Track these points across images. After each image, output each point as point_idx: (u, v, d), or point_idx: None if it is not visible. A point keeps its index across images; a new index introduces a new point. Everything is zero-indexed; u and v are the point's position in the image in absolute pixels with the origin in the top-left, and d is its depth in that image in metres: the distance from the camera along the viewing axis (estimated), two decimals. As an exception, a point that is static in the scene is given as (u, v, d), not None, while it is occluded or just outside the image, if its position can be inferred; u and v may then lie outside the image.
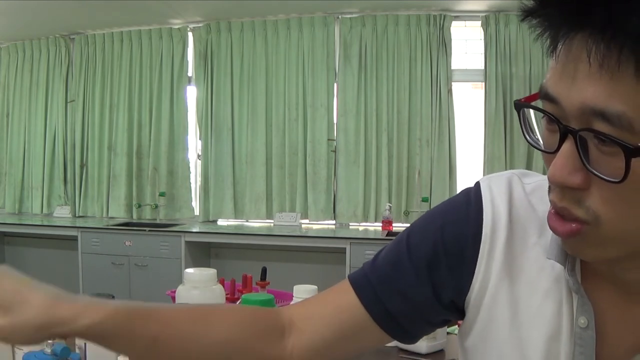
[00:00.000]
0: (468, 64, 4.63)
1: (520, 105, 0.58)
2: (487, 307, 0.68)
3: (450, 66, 4.52)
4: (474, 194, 0.71)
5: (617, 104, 0.48)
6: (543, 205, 0.66)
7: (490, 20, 4.42)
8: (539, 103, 0.58)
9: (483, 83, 4.49)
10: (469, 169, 4.57)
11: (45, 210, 5.32)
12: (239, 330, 0.71)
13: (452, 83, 4.52)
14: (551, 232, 0.61)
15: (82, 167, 5.24)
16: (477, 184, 0.72)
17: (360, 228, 4.67)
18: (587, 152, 0.52)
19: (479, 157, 4.53)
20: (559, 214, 0.56)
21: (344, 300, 0.73)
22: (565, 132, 0.52)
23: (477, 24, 4.52)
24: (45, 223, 4.95)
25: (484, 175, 4.81)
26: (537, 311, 0.65)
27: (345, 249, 4.08)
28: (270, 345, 0.72)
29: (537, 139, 0.59)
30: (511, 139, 4.42)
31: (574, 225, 0.54)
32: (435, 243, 0.69)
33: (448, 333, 1.68)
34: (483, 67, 4.47)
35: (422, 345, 1.58)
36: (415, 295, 0.70)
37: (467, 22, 4.62)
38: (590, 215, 0.53)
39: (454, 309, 0.71)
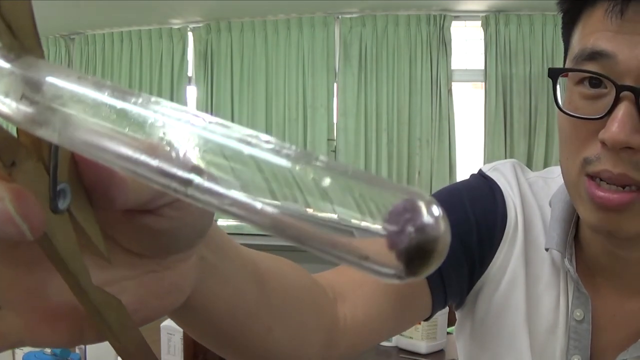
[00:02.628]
0: (468, 64, 4.63)
1: (558, 71, 0.56)
2: (505, 288, 0.67)
3: (450, 66, 4.52)
4: (489, 182, 0.70)
5: None
6: (541, 199, 0.67)
7: (490, 20, 4.42)
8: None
9: (483, 83, 4.49)
10: (469, 169, 4.57)
11: (45, 210, 5.33)
12: (312, 283, 0.58)
13: (452, 83, 4.52)
14: (548, 222, 0.63)
15: (82, 167, 5.25)
16: (484, 174, 0.71)
17: (360, 228, 4.66)
18: None
19: (479, 157, 4.53)
20: (600, 184, 0.53)
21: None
22: (621, 90, 0.50)
23: (477, 24, 4.52)
24: (45, 223, 4.95)
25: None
26: (540, 301, 0.66)
27: (345, 249, 4.07)
28: (327, 311, 0.58)
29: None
30: (511, 139, 4.42)
31: (630, 192, 0.52)
32: (466, 212, 0.68)
33: (448, 333, 1.68)
34: (483, 67, 4.47)
35: (422, 345, 1.58)
36: (455, 260, 0.67)
37: (467, 22, 4.62)
38: None
39: (469, 280, 0.70)
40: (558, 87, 0.57)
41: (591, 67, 0.52)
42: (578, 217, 0.65)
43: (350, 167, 0.17)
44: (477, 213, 0.68)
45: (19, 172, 0.21)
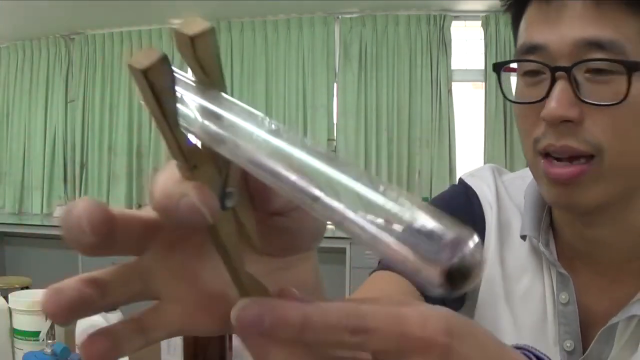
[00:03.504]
0: (468, 64, 4.63)
1: (501, 65, 0.63)
2: (485, 289, 0.71)
3: (450, 66, 4.52)
4: (466, 188, 0.76)
5: (609, 33, 0.54)
6: (518, 197, 0.72)
7: (490, 20, 4.42)
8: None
9: (483, 83, 4.49)
10: (469, 169, 4.56)
11: (45, 210, 5.32)
12: None
13: (452, 83, 4.52)
14: (524, 212, 0.67)
15: (82, 167, 5.25)
16: (463, 181, 0.77)
17: (360, 228, 4.66)
18: (580, 89, 0.55)
19: (479, 157, 4.53)
20: (552, 160, 0.58)
21: (391, 286, 0.67)
22: (555, 72, 0.56)
23: (477, 24, 4.51)
24: (45, 223, 4.95)
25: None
26: (525, 292, 0.69)
27: (345, 249, 4.07)
28: None
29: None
30: (511, 139, 4.42)
31: (578, 165, 0.56)
32: None
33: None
34: (483, 67, 4.47)
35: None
36: None
37: (467, 22, 4.62)
38: (592, 146, 0.56)
39: None
40: (512, 79, 0.65)
41: (531, 58, 0.59)
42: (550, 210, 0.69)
43: (424, 203, 0.23)
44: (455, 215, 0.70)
45: (199, 173, 0.27)
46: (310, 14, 4.70)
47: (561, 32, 0.56)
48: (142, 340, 0.30)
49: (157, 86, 0.25)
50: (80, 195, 5.24)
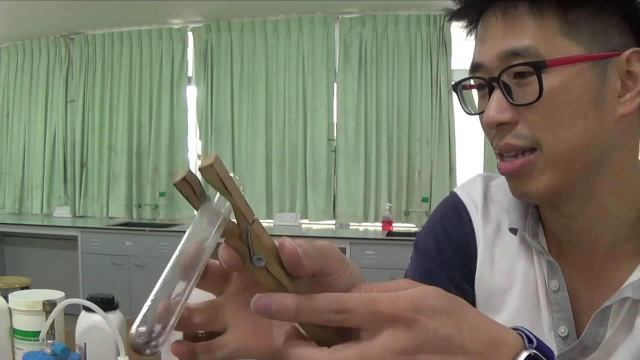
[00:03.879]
0: (468, 64, 4.61)
1: (456, 85, 0.73)
2: (481, 291, 0.77)
3: (450, 66, 4.52)
4: (456, 203, 0.82)
5: (523, 40, 0.62)
6: (505, 196, 0.77)
7: (490, 20, 4.42)
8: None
9: (483, 83, 4.49)
10: (469, 169, 4.56)
11: (45, 210, 5.32)
12: None
13: (452, 83, 4.51)
14: (512, 207, 0.73)
15: (82, 167, 5.25)
16: (455, 194, 0.83)
17: (360, 228, 4.67)
18: (511, 94, 0.63)
19: (479, 157, 4.53)
20: (504, 157, 0.66)
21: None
22: (490, 83, 0.64)
23: (477, 24, 4.51)
24: (45, 223, 4.95)
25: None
26: (518, 282, 0.73)
27: (345, 249, 4.07)
28: None
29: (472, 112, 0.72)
30: (511, 139, 4.42)
31: (522, 158, 0.64)
32: (437, 235, 0.81)
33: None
34: (483, 67, 4.47)
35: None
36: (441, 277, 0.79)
37: (467, 22, 4.62)
38: (529, 140, 0.63)
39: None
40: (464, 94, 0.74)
41: (476, 75, 0.68)
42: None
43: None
44: (449, 233, 0.80)
45: (228, 243, 0.42)
46: (310, 14, 4.70)
47: (489, 49, 0.65)
48: (209, 356, 0.46)
49: (221, 174, 0.40)
50: (80, 195, 5.24)
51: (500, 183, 0.80)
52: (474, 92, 0.73)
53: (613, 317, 0.65)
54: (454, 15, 0.71)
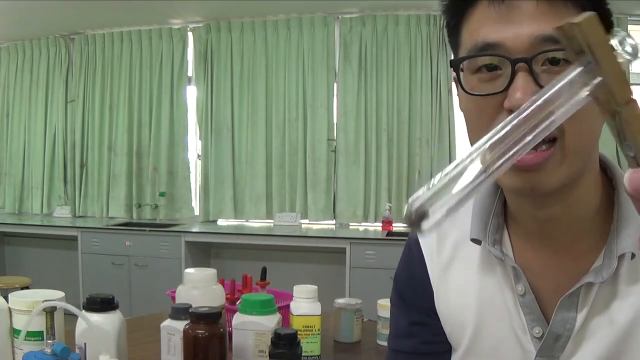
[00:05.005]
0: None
1: (459, 61, 0.65)
2: (443, 309, 0.79)
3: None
4: (412, 239, 0.84)
5: None
6: (466, 215, 0.75)
7: (490, 20, 4.42)
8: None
9: (483, 83, 4.49)
10: (469, 169, 4.57)
11: (45, 210, 5.32)
12: None
13: (452, 83, 4.51)
14: (474, 221, 0.73)
15: (82, 167, 5.24)
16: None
17: (360, 228, 4.67)
18: (538, 78, 0.60)
19: (479, 157, 4.52)
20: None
21: None
22: (517, 65, 0.60)
23: (477, 24, 4.51)
24: (45, 223, 4.96)
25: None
26: (485, 292, 0.74)
27: (345, 249, 4.07)
28: None
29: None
30: (511, 139, 4.42)
31: (542, 152, 0.60)
32: (399, 278, 0.86)
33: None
34: (483, 67, 4.47)
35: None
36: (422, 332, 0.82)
37: (467, 22, 4.62)
38: (556, 130, 0.61)
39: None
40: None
41: (491, 53, 0.62)
42: (503, 205, 0.74)
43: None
44: (405, 272, 0.84)
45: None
46: (310, 14, 4.69)
47: (517, 30, 0.60)
48: None
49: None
50: (80, 195, 5.24)
51: None
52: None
53: (581, 302, 0.67)
54: None
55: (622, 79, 0.35)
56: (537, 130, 0.40)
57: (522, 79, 0.59)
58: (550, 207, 0.66)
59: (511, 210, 0.73)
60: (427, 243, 0.81)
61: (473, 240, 0.73)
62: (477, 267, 0.75)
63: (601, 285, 0.66)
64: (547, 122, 0.39)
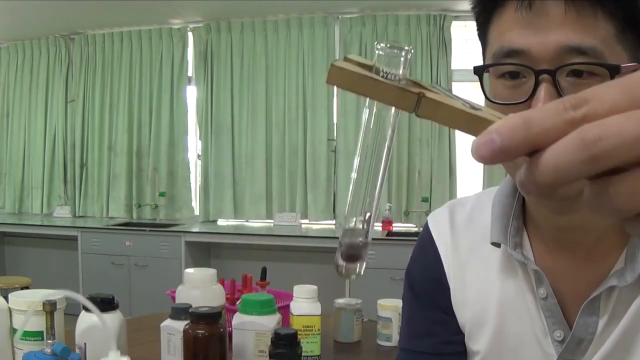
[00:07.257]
0: (468, 64, 4.62)
1: (482, 68, 0.65)
2: (461, 309, 0.79)
3: (450, 66, 4.52)
4: (425, 231, 0.84)
5: (590, 39, 0.58)
6: (483, 215, 0.77)
7: (490, 20, 4.42)
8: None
9: (483, 83, 4.48)
10: (469, 169, 4.57)
11: (45, 210, 5.32)
12: None
13: (452, 83, 4.52)
14: (492, 221, 0.72)
15: (82, 167, 5.24)
16: (426, 223, 0.85)
17: (360, 228, 4.66)
18: (561, 90, 0.59)
19: (479, 157, 4.52)
20: None
21: None
22: (540, 76, 0.59)
23: (477, 24, 4.51)
24: (45, 223, 4.96)
25: (483, 175, 4.76)
26: (506, 295, 0.74)
27: (345, 249, 4.07)
28: None
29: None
30: (511, 139, 4.42)
31: None
32: (411, 274, 0.84)
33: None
34: (483, 67, 4.46)
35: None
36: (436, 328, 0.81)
37: (467, 22, 4.61)
38: None
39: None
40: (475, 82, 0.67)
41: (511, 61, 0.61)
42: (522, 210, 0.74)
43: None
44: (420, 270, 0.83)
45: None
46: (310, 14, 4.69)
47: (543, 37, 0.59)
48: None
49: None
50: (80, 195, 5.24)
51: (477, 202, 0.81)
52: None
53: (603, 306, 0.66)
54: None
55: (396, 95, 0.33)
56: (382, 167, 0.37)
57: (545, 90, 0.58)
58: (572, 213, 0.65)
59: (531, 212, 0.73)
60: (442, 241, 0.81)
61: (493, 244, 0.73)
62: (497, 269, 0.75)
63: (622, 288, 0.65)
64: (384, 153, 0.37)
